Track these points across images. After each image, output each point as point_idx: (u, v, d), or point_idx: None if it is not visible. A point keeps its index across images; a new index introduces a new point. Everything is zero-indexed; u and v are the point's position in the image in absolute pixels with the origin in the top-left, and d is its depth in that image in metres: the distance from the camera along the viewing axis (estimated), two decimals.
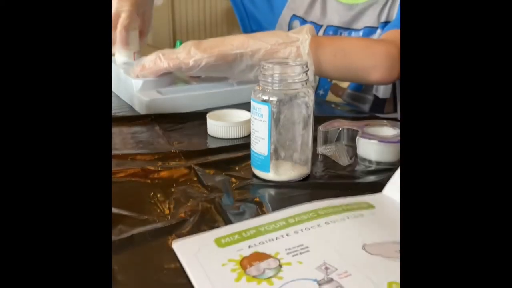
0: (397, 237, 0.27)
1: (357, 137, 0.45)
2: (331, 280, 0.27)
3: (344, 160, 0.45)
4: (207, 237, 0.31)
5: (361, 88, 0.72)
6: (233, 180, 0.42)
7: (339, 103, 0.70)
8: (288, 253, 0.30)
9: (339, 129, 0.48)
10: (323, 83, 0.76)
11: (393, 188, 0.37)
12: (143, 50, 0.80)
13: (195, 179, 0.42)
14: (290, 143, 0.40)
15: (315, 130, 0.44)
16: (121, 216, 0.36)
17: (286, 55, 0.55)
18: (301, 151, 0.41)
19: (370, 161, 0.45)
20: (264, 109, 0.39)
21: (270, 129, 0.39)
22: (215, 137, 0.53)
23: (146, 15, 0.71)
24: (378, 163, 0.45)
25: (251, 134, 0.41)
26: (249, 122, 0.49)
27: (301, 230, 0.32)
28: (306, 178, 0.42)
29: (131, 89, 0.64)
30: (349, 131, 0.49)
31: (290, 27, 0.78)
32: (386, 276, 0.27)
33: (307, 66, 0.39)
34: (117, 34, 0.60)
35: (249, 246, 0.30)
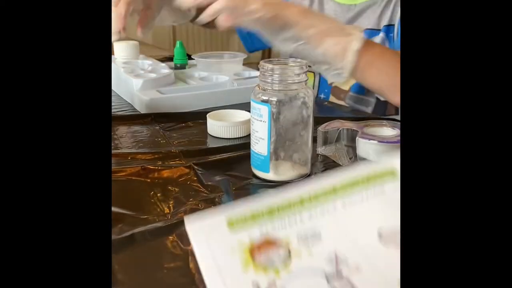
0: None
1: (357, 138, 0.45)
2: (341, 276, 0.27)
3: (343, 161, 0.46)
4: (220, 219, 0.30)
5: (364, 90, 0.71)
6: (233, 180, 0.42)
7: (341, 106, 0.69)
8: (299, 241, 0.29)
9: (339, 129, 0.48)
10: (323, 87, 0.76)
11: None
12: (143, 49, 0.81)
13: (195, 178, 0.42)
14: (290, 143, 0.41)
15: (315, 130, 0.44)
16: (121, 215, 0.36)
17: (333, 43, 0.52)
18: (301, 151, 0.41)
19: (369, 161, 0.45)
20: (264, 110, 0.39)
21: (270, 130, 0.39)
22: (215, 137, 0.53)
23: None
24: None
25: (251, 134, 0.41)
26: (249, 122, 0.49)
27: (316, 215, 0.31)
28: (306, 178, 0.42)
29: (132, 88, 0.64)
30: (349, 131, 0.49)
31: None
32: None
33: (306, 67, 0.39)
34: (115, 11, 0.50)
35: (260, 232, 0.30)
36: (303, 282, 0.27)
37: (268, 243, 0.29)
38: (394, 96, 0.54)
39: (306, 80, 0.40)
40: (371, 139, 0.44)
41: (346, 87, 0.73)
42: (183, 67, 0.76)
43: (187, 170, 0.44)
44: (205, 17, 0.50)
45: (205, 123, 0.54)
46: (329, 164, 0.45)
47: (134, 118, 0.59)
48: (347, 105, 0.72)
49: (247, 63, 0.77)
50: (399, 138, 0.44)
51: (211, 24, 0.53)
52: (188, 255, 0.31)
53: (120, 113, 0.62)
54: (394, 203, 0.30)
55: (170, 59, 0.81)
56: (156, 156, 0.47)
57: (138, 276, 0.30)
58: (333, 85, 0.74)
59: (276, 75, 0.39)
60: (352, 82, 0.71)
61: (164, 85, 0.65)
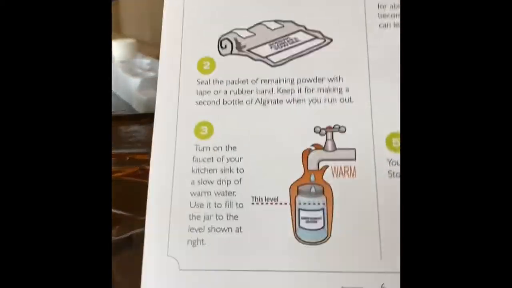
0: None
1: None
2: None
3: None
4: None
5: None
6: None
7: None
8: None
9: None
10: None
11: None
12: (142, 49, 0.80)
13: None
14: None
15: None
16: (119, 216, 0.36)
17: None
18: None
19: None
20: None
21: None
22: None
23: None
24: None
25: None
26: None
27: None
28: None
29: (130, 87, 0.64)
30: None
31: None
32: None
33: None
34: None
35: None
36: None
37: None
38: None
39: None
40: None
41: None
42: None
43: None
44: None
45: None
46: None
47: (132, 118, 0.59)
48: None
49: None
50: None
51: None
52: None
53: (118, 113, 0.61)
54: None
55: None
56: None
57: (136, 278, 0.29)
58: None
59: None
60: None
61: None
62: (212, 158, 0.28)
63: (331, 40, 0.29)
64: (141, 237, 0.32)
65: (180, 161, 0.28)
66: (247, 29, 0.30)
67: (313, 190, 0.27)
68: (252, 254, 0.26)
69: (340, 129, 0.28)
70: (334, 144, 0.28)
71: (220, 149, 0.28)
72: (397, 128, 0.27)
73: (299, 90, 0.28)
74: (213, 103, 0.28)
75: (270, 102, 0.28)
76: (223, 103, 0.28)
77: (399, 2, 0.29)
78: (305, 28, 0.30)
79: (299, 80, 0.29)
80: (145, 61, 0.74)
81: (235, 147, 0.27)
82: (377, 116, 0.28)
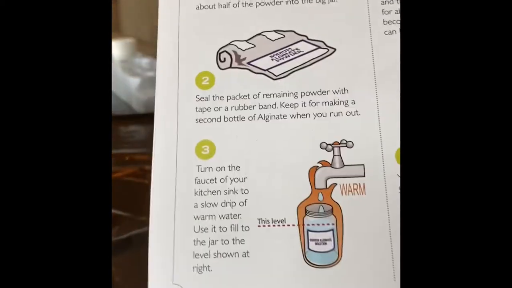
0: None
1: None
2: None
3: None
4: None
5: None
6: None
7: None
8: None
9: None
10: None
11: None
12: (142, 48, 0.80)
13: None
14: None
15: None
16: (119, 217, 0.36)
17: None
18: None
19: None
20: None
21: None
22: None
23: None
24: None
25: None
26: None
27: None
28: None
29: (129, 87, 0.63)
30: None
31: None
32: None
33: None
34: None
35: None
36: None
37: None
38: None
39: None
40: None
41: None
42: None
43: None
44: None
45: None
46: None
47: (132, 118, 0.59)
48: None
49: None
50: None
51: None
52: None
53: (117, 113, 0.61)
54: None
55: None
56: None
57: (135, 279, 0.29)
58: None
59: None
60: None
61: None
62: (215, 179, 0.26)
63: (335, 49, 0.28)
64: (140, 237, 0.32)
65: (182, 183, 0.27)
66: (246, 41, 0.28)
67: (321, 210, 0.26)
68: (260, 279, 0.25)
69: (348, 144, 0.27)
70: (342, 160, 0.26)
71: (223, 169, 0.27)
72: None
73: (303, 104, 0.27)
74: (214, 120, 0.27)
75: (273, 118, 0.27)
76: (224, 120, 0.27)
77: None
78: (307, 38, 0.28)
79: (302, 94, 0.27)
80: (145, 61, 0.73)
81: (239, 167, 0.26)
82: (386, 129, 0.26)
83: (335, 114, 0.27)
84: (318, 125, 0.27)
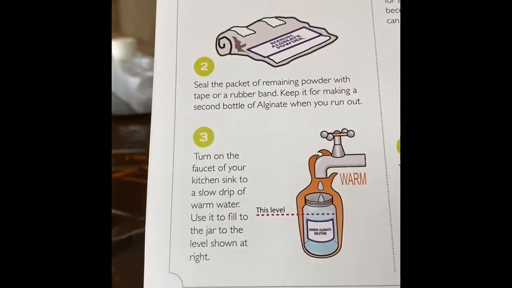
0: None
1: None
2: None
3: None
4: None
5: None
6: None
7: None
8: None
9: None
10: None
11: None
12: (142, 48, 0.80)
13: None
14: None
15: None
16: (119, 217, 0.36)
17: None
18: None
19: None
20: None
21: None
22: None
23: None
24: None
25: None
26: None
27: None
28: None
29: (129, 87, 0.63)
30: None
31: None
32: None
33: None
34: None
35: None
36: None
37: None
38: None
39: None
40: None
41: None
42: None
43: None
44: None
45: None
46: None
47: (132, 118, 0.59)
48: None
49: None
50: None
51: None
52: None
53: (117, 112, 0.61)
54: None
55: None
56: None
57: (136, 279, 0.29)
58: None
59: None
60: None
61: None
62: (214, 166, 0.26)
63: (337, 37, 0.28)
64: (140, 237, 0.32)
65: (179, 171, 0.26)
66: (247, 27, 0.28)
67: (321, 199, 0.25)
68: (259, 269, 0.25)
69: (349, 133, 0.26)
70: (342, 150, 0.26)
71: (221, 157, 0.26)
72: None
73: (304, 92, 0.27)
74: (213, 107, 0.27)
75: (273, 105, 0.27)
76: (223, 107, 0.27)
77: None
78: (309, 25, 0.28)
79: (303, 81, 0.27)
80: (145, 61, 0.73)
81: (237, 155, 0.26)
82: (387, 118, 0.26)
83: (336, 103, 0.27)
84: (319, 113, 0.27)
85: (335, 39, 0.28)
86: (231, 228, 0.25)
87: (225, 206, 0.26)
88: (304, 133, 0.26)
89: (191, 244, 0.25)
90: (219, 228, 0.25)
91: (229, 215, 0.25)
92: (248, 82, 0.27)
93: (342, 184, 0.26)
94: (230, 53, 0.28)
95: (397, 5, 0.28)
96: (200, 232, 0.25)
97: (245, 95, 0.27)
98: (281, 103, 0.27)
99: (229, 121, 0.27)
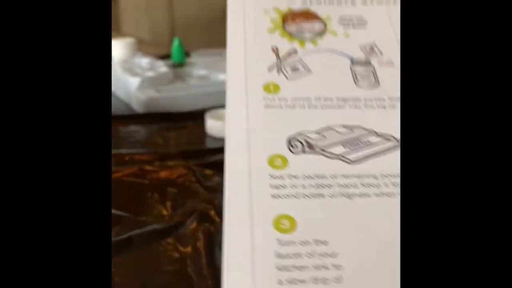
0: None
1: None
2: (368, 63, 0.25)
3: None
4: None
5: None
6: None
7: None
8: (340, 22, 0.27)
9: None
10: None
11: None
12: (142, 48, 0.80)
13: (193, 179, 0.42)
14: None
15: None
16: (119, 217, 0.36)
17: None
18: None
19: None
20: None
21: None
22: (215, 137, 0.52)
23: None
24: None
25: None
26: None
27: (370, 2, 0.29)
28: None
29: (129, 87, 0.63)
30: None
31: None
32: None
33: None
34: None
35: (302, 3, 0.28)
36: (325, 56, 0.25)
37: (306, 15, 0.27)
38: None
39: None
40: None
41: None
42: (181, 65, 0.76)
43: (185, 171, 0.43)
44: None
45: (204, 123, 0.54)
46: None
47: (132, 118, 0.59)
48: None
49: None
50: None
51: None
52: (186, 258, 0.31)
53: (117, 112, 0.61)
54: None
55: (168, 56, 0.81)
56: (154, 156, 0.47)
57: (136, 279, 0.29)
58: None
59: None
60: None
61: (162, 84, 0.64)
62: (301, 253, 0.23)
63: None
64: (140, 237, 0.32)
65: (260, 259, 0.23)
66: (315, 132, 0.27)
67: None
68: None
69: None
70: None
71: (308, 244, 0.24)
72: None
73: (386, 185, 0.25)
74: (292, 196, 0.25)
75: (356, 196, 0.25)
76: (303, 197, 0.25)
77: None
78: (376, 133, 0.27)
79: (383, 176, 0.26)
80: (145, 61, 0.74)
81: (326, 241, 0.23)
82: None
83: None
84: None
85: None
86: None
87: None
88: (395, 223, 0.23)
89: None
90: None
91: None
92: (325, 175, 0.26)
93: None
94: (303, 152, 0.27)
95: None
96: None
97: (324, 186, 0.25)
98: (364, 193, 0.25)
99: (311, 209, 0.25)
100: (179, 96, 0.62)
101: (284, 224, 0.24)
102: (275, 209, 0.25)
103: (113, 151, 0.48)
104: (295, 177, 0.26)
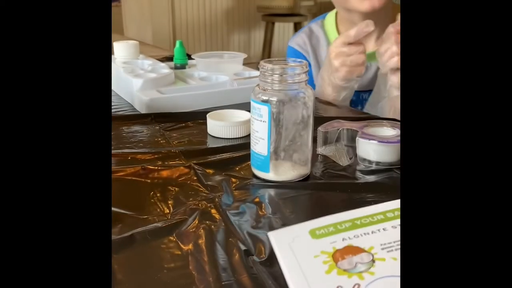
0: None
1: (357, 138, 0.45)
2: None
3: (343, 161, 0.45)
4: (302, 228, 0.31)
5: None
6: (233, 180, 0.42)
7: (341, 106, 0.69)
8: (383, 249, 0.29)
9: (338, 129, 0.48)
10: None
11: None
12: (143, 49, 0.80)
13: (195, 178, 0.42)
14: (290, 144, 0.40)
15: (315, 130, 0.44)
16: (121, 215, 0.36)
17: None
18: (301, 151, 0.41)
19: (369, 161, 0.45)
20: (264, 110, 0.39)
21: (270, 130, 0.39)
22: (215, 137, 0.53)
23: None
24: (377, 163, 0.45)
25: (251, 134, 0.41)
26: (249, 122, 0.49)
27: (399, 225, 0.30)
28: (306, 179, 0.42)
29: (131, 88, 0.64)
30: (349, 131, 0.49)
31: None
32: None
33: (307, 67, 0.39)
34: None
35: (343, 239, 0.30)
36: (386, 281, 0.26)
37: (351, 249, 0.29)
38: None
39: (306, 80, 0.39)
40: (371, 139, 0.44)
41: None
42: (183, 67, 0.76)
43: (187, 170, 0.44)
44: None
45: (205, 123, 0.54)
46: (329, 164, 0.45)
47: (134, 118, 0.59)
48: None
49: (247, 63, 0.77)
50: (398, 138, 0.44)
51: None
52: (188, 255, 0.31)
53: (120, 113, 0.62)
54: None
55: (170, 59, 0.81)
56: (156, 156, 0.47)
57: (138, 277, 0.30)
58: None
59: (276, 75, 0.39)
60: None
61: (164, 85, 0.65)
62: None
63: None
64: (142, 235, 0.32)
65: None
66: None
67: None
68: None
69: None
70: None
71: None
72: None
73: None
74: None
75: None
76: None
77: None
78: None
79: None
80: (147, 62, 0.74)
81: None
82: None
83: None
84: None
85: None
86: None
87: None
88: None
89: None
90: None
91: None
92: None
93: None
94: None
95: None
96: None
97: None
98: None
99: None
100: (181, 97, 0.62)
101: None
102: None
103: (116, 151, 0.48)
104: None
